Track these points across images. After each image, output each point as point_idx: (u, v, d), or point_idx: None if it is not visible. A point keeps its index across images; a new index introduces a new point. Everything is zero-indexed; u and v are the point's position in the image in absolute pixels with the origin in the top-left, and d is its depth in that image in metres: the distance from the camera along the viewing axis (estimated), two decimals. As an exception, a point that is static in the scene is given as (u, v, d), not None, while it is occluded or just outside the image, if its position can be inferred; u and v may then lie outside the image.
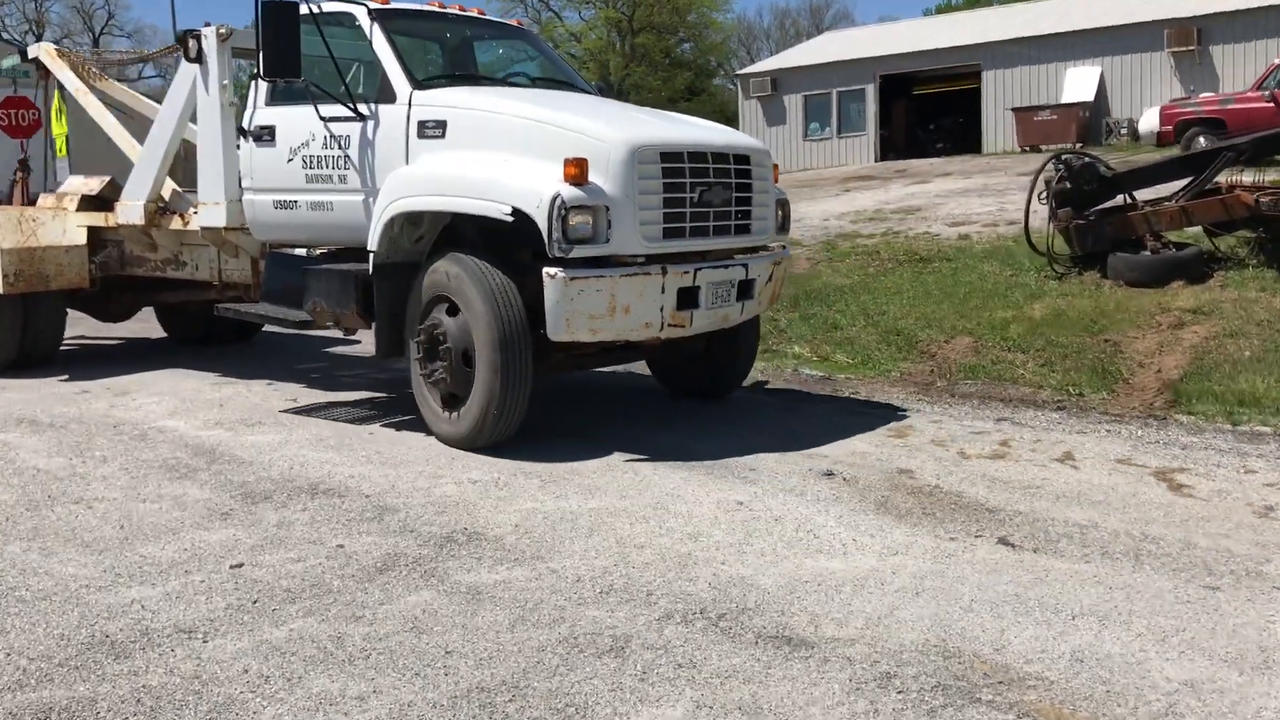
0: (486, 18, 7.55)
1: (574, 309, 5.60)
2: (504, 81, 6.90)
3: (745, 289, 6.49)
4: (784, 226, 6.96)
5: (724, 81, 65.15)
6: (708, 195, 6.12)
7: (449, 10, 7.25)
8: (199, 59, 7.51)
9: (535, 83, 7.15)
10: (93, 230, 8.85)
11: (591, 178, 5.60)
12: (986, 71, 28.09)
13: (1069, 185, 9.55)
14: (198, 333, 10.52)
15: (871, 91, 30.06)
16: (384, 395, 7.77)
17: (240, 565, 4.27)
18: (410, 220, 6.27)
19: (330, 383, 8.36)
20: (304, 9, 6.40)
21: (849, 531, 4.64)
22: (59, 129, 11.87)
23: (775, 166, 6.79)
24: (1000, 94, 27.82)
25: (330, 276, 6.49)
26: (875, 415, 6.94)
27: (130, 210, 8.27)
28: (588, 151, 5.64)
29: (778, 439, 6.29)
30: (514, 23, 7.69)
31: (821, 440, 6.24)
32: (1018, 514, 4.89)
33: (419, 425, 6.42)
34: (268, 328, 10.55)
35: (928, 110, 31.75)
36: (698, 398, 7.46)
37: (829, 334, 9.34)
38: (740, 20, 62.92)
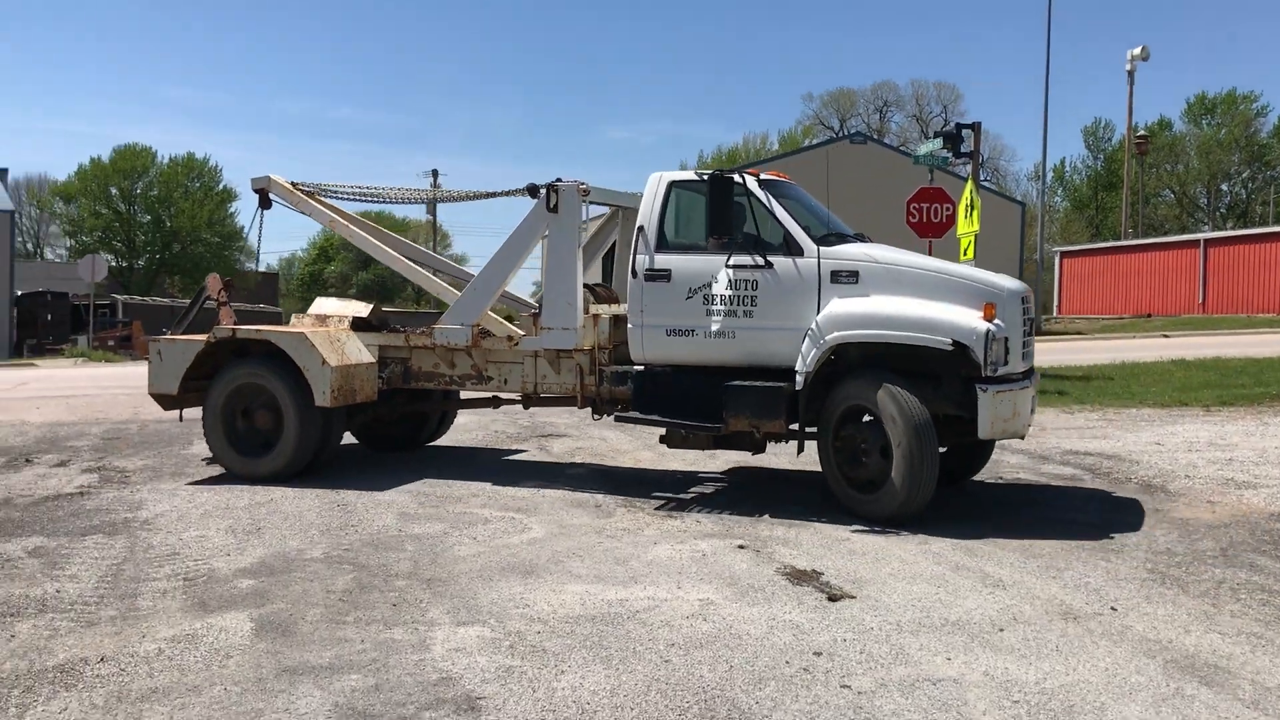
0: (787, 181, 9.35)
1: (996, 414, 7.58)
2: (855, 238, 8.72)
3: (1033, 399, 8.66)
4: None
5: None
6: (1028, 326, 8.29)
7: (783, 179, 9.07)
8: (555, 209, 8.95)
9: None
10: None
11: (996, 316, 7.64)
12: None
13: None
14: (397, 441, 11.43)
15: None
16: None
17: None
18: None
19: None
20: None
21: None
22: (968, 228, 12.78)
23: None
24: None
25: (760, 393, 8.05)
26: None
27: (454, 333, 9.40)
28: (995, 297, 7.69)
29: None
30: (786, 178, 9.43)
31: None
32: None
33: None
34: (444, 440, 11.71)
35: None
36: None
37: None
38: None
